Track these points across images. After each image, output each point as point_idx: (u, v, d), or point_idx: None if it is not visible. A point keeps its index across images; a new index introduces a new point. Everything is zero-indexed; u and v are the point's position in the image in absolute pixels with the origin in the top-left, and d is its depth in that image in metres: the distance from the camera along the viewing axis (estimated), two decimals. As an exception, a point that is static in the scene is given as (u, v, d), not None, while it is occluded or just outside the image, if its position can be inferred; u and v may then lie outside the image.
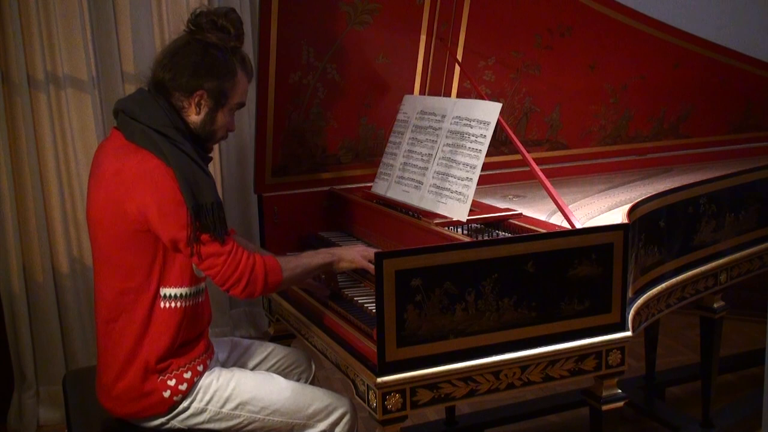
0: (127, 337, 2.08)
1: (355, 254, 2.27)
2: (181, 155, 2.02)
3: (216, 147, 4.13)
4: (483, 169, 2.31)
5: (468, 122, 2.40)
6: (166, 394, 2.09)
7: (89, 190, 2.15)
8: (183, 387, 2.10)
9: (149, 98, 2.11)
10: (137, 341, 2.08)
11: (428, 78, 2.89)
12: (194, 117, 2.14)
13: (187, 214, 1.98)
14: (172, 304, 2.08)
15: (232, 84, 2.14)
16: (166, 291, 2.08)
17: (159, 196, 1.99)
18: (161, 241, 2.04)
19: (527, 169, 2.37)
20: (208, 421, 2.15)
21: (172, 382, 2.09)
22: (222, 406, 2.15)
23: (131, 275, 2.06)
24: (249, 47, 4.22)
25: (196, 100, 2.12)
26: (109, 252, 2.08)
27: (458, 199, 2.31)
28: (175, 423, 2.13)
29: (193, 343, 2.16)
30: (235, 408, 2.15)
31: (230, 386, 2.16)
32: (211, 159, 2.23)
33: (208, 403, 2.14)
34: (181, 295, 2.09)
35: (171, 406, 2.11)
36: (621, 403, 2.23)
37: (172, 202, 1.98)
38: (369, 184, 2.79)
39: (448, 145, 2.44)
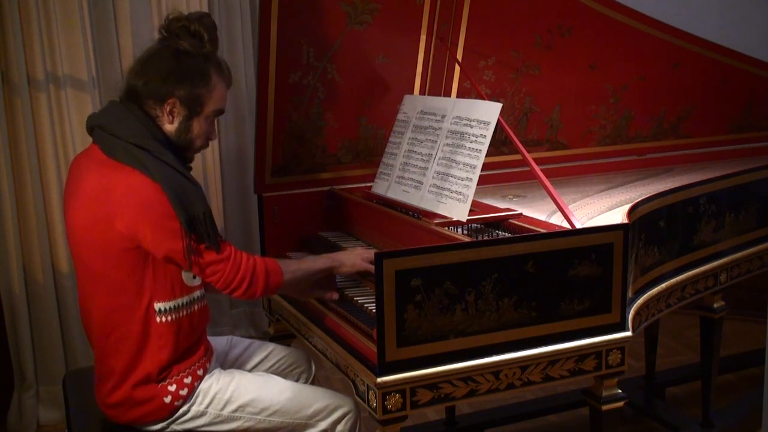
0: (123, 351, 2.06)
1: (356, 258, 2.27)
2: (165, 167, 1.99)
3: (216, 147, 4.17)
4: (483, 169, 2.31)
5: (468, 122, 2.39)
6: (167, 399, 2.08)
7: (68, 207, 2.10)
8: (184, 392, 2.10)
9: (123, 110, 2.07)
10: (135, 355, 2.06)
11: (428, 78, 2.89)
12: (169, 126, 2.09)
13: (181, 227, 1.96)
14: (168, 318, 2.06)
15: (207, 90, 2.09)
16: (159, 306, 2.05)
17: (150, 213, 1.96)
18: (151, 257, 2.01)
19: (527, 169, 2.37)
20: (209, 423, 2.14)
21: (172, 388, 2.09)
22: (222, 409, 2.14)
23: (121, 293, 2.03)
24: (249, 47, 4.23)
25: (169, 108, 2.07)
26: (97, 270, 2.05)
27: (458, 199, 2.31)
28: (175, 427, 2.13)
29: (193, 347, 2.15)
30: (236, 410, 2.15)
31: (230, 389, 2.15)
32: (191, 168, 2.18)
33: (208, 406, 2.13)
34: (175, 307, 2.07)
35: (171, 411, 2.10)
36: (621, 403, 2.23)
37: (164, 218, 1.96)
38: (369, 184, 2.79)
39: (448, 145, 2.43)
